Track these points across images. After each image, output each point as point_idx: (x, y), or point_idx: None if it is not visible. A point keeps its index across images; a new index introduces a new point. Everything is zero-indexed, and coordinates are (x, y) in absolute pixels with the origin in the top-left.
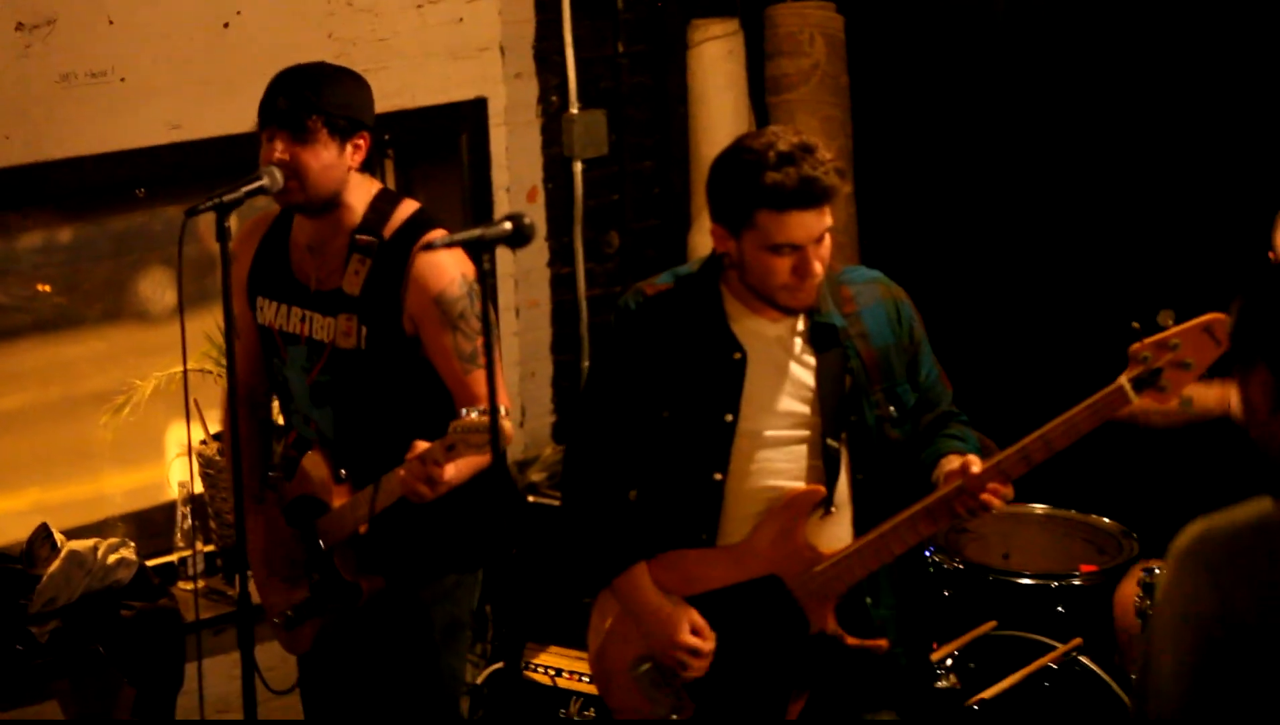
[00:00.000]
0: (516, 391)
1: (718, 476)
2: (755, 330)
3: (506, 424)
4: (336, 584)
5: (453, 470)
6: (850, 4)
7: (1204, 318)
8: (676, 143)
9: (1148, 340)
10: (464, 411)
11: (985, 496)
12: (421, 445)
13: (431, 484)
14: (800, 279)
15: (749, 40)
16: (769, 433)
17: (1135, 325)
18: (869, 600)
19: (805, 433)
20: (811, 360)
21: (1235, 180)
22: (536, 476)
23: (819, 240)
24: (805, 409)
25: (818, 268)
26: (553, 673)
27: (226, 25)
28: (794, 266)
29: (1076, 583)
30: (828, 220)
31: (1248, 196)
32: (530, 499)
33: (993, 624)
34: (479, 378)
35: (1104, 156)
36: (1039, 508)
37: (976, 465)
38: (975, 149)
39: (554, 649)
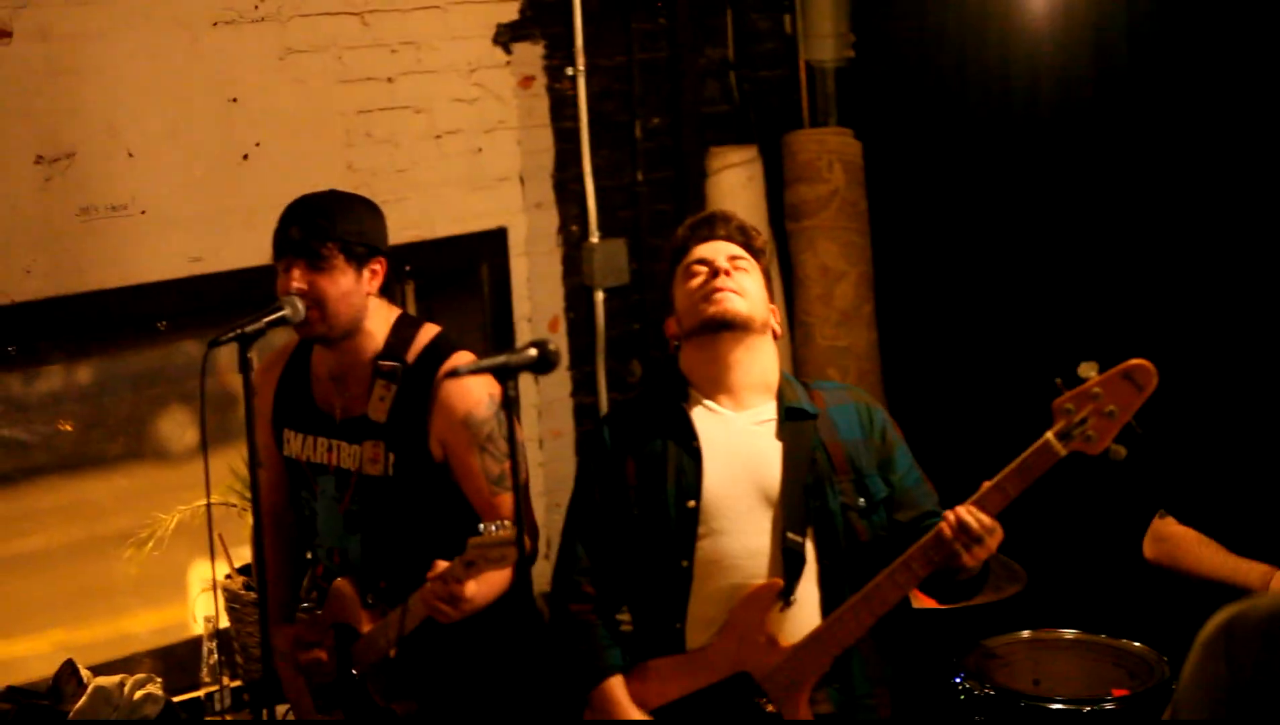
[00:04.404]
0: (542, 522)
1: (684, 564)
2: (718, 420)
3: (526, 539)
4: (370, 710)
5: (474, 587)
6: (867, 130)
7: (1123, 365)
8: None
9: (1070, 393)
10: (481, 527)
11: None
12: (442, 564)
13: (453, 602)
14: (714, 276)
15: (768, 166)
16: (732, 520)
17: (1058, 381)
18: (838, 697)
19: (768, 523)
20: (778, 451)
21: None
22: None
23: (734, 262)
24: (769, 499)
25: (730, 271)
26: None
27: (246, 157)
28: (708, 276)
29: (1109, 707)
30: (741, 251)
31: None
32: None
33: None
34: (507, 500)
35: (1124, 264)
36: (1069, 633)
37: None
38: (995, 268)
39: None
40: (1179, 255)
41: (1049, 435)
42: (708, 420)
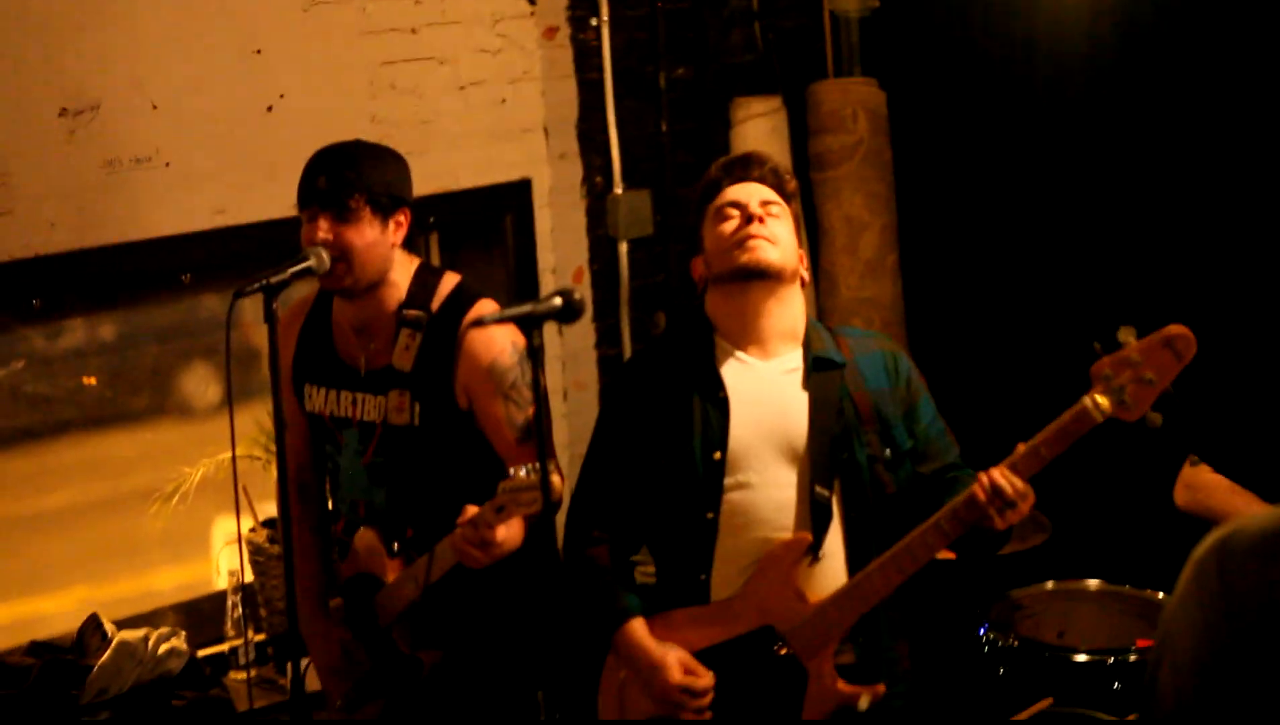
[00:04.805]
0: (566, 473)
1: (710, 515)
2: (745, 369)
3: (555, 478)
4: (396, 659)
5: (504, 532)
6: (892, 79)
7: (1163, 332)
8: None
9: (1108, 358)
10: (511, 471)
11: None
12: (472, 509)
13: (484, 547)
14: (746, 223)
15: (792, 117)
16: (758, 475)
17: (1096, 346)
18: (860, 651)
19: (795, 475)
20: (804, 401)
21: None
22: None
23: (766, 207)
24: (795, 451)
25: (762, 217)
26: None
27: (270, 109)
28: (740, 222)
29: (1133, 658)
30: (774, 195)
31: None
32: None
33: (1049, 700)
34: (533, 448)
35: (1150, 221)
36: (1093, 584)
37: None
38: (1020, 220)
39: None
40: (1208, 208)
41: (1086, 400)
42: (734, 370)
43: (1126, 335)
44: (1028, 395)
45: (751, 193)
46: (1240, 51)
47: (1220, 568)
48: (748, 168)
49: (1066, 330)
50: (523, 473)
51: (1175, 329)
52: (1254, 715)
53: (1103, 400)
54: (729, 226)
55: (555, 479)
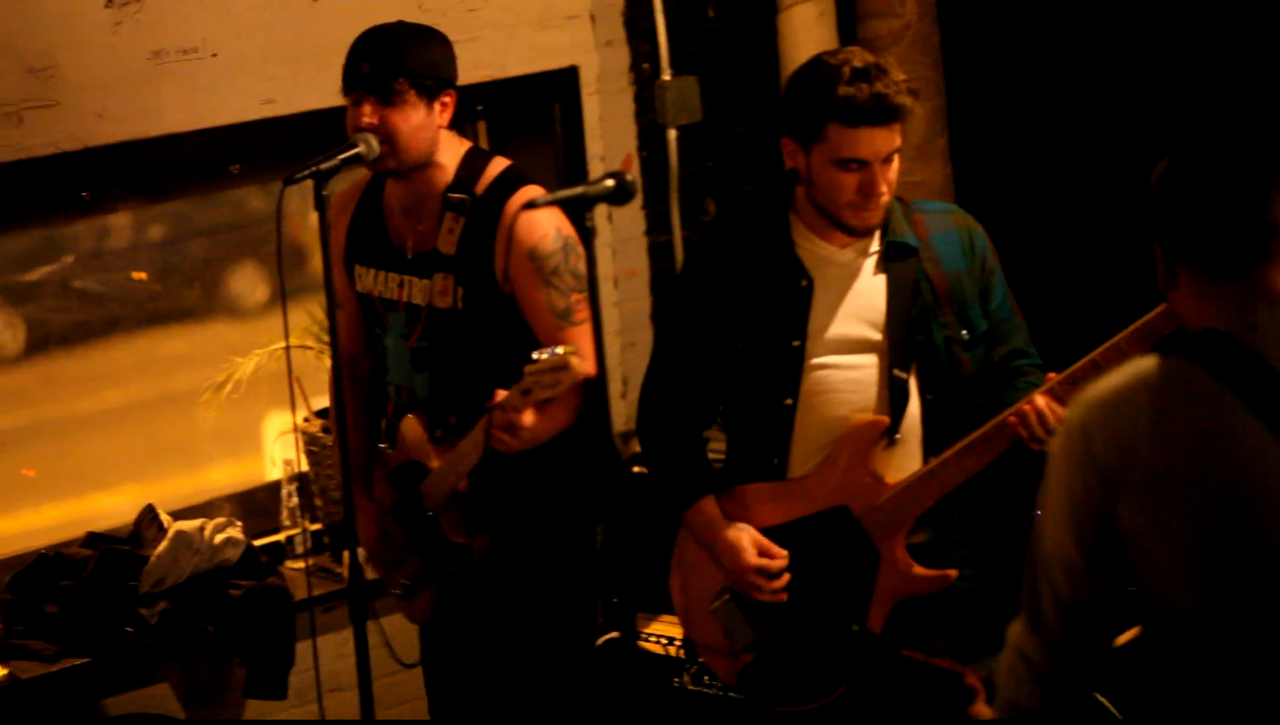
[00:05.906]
0: (618, 362)
1: (788, 402)
2: (823, 256)
3: (576, 361)
4: (445, 547)
5: (532, 416)
6: None
7: None
8: (769, 107)
9: None
10: (536, 353)
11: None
12: (501, 394)
13: (512, 431)
14: (865, 197)
15: (840, 2)
16: (837, 359)
17: None
18: (934, 533)
19: (873, 359)
20: (882, 284)
21: None
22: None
23: (887, 160)
24: (874, 335)
25: (883, 187)
26: (665, 641)
27: None
28: (860, 184)
29: None
30: (897, 140)
31: None
32: (635, 469)
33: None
34: (573, 335)
35: (1206, 102)
36: None
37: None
38: (1070, 104)
39: (665, 618)
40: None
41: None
42: (813, 256)
43: None
44: (1080, 278)
45: (879, 148)
46: None
47: (1083, 424)
48: (882, 114)
49: (1116, 211)
50: (546, 354)
51: None
52: (1119, 563)
53: None
54: (849, 183)
55: (576, 361)
